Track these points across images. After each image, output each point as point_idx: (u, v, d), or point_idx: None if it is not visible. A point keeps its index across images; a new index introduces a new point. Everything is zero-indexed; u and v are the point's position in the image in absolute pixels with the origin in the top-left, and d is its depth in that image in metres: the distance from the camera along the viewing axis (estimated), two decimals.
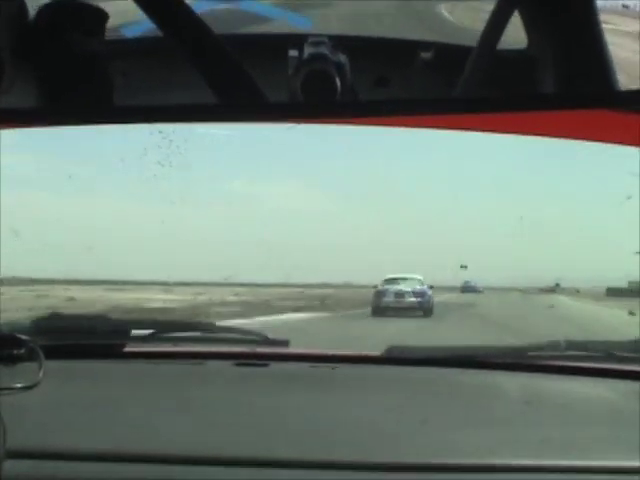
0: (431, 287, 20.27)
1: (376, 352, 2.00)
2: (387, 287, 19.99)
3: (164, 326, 2.13)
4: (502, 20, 1.55)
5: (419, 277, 20.71)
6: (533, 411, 1.63)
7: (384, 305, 19.02)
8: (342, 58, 1.44)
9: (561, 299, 24.26)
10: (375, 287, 20.78)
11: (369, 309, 19.39)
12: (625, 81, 1.40)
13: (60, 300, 16.30)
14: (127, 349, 2.00)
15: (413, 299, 19.31)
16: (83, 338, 1.96)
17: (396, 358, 1.93)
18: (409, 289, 19.70)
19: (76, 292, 17.97)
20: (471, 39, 1.64)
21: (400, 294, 19.50)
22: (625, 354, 1.85)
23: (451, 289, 25.34)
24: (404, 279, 20.58)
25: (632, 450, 1.35)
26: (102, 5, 1.56)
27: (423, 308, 18.96)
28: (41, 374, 1.59)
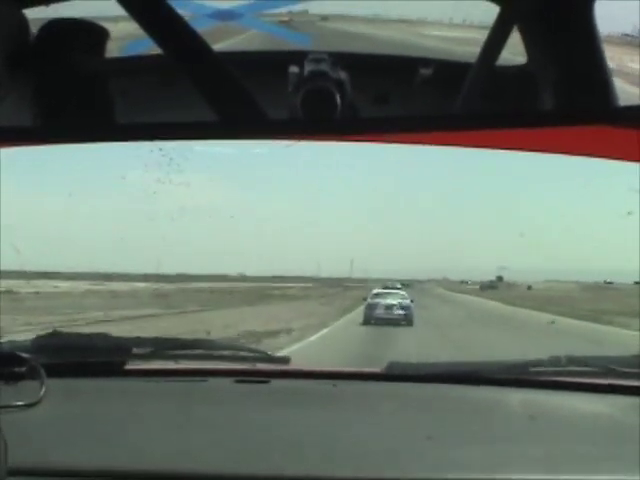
0: (412, 301, 23.68)
1: (377, 369, 1.99)
2: (377, 301, 23.25)
3: (165, 344, 2.12)
4: (502, 36, 1.56)
5: (402, 292, 24.96)
6: (535, 427, 1.62)
7: (375, 316, 21.94)
8: (342, 75, 1.44)
9: None
10: (365, 300, 24.23)
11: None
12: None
13: None
14: (128, 367, 1.99)
15: (400, 312, 22.41)
16: (84, 356, 1.95)
17: (397, 375, 1.93)
18: (396, 302, 22.97)
19: None
20: (471, 55, 1.65)
21: (389, 307, 22.63)
22: (625, 369, 1.84)
23: None
24: (389, 293, 24.44)
25: (633, 465, 1.34)
26: (102, 23, 1.57)
27: (407, 319, 22.01)
28: (42, 392, 1.59)
